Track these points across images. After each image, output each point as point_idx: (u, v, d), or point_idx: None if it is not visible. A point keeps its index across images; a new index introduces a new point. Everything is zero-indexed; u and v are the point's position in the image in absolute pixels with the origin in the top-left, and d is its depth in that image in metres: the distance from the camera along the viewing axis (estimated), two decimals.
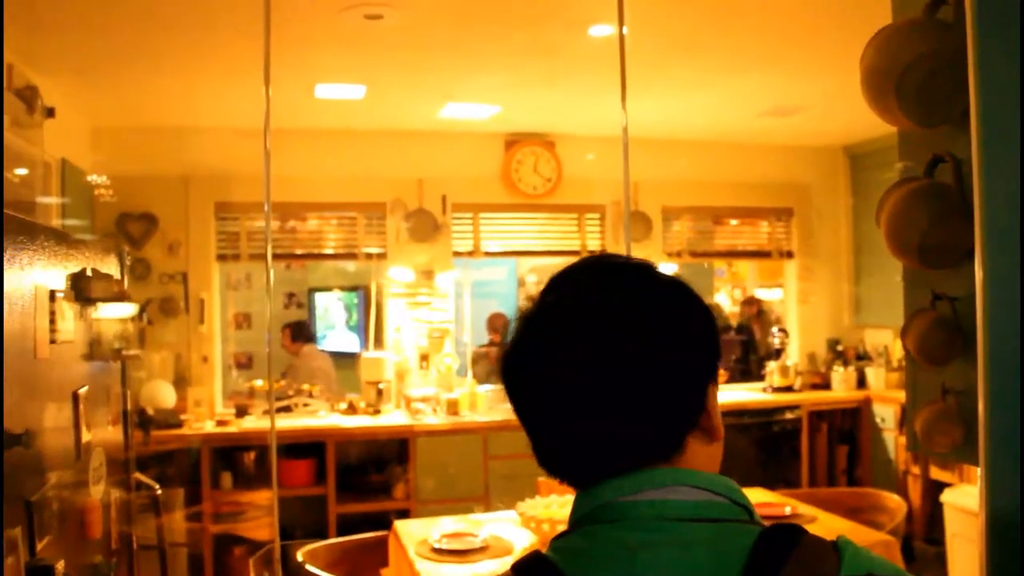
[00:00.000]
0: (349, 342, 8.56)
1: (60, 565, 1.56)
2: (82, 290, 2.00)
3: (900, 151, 1.64)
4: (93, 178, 5.22)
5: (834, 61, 4.70)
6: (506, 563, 3.41)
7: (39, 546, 1.60)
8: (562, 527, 3.17)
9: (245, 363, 8.63)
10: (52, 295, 1.82)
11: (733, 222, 6.98)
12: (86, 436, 2.00)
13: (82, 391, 1.98)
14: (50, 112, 4.36)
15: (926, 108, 1.42)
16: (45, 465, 1.73)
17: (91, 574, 1.99)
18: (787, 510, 3.92)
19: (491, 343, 7.10)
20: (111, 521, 2.19)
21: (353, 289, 8.62)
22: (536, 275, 9.82)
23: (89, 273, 2.05)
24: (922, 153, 1.56)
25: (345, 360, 7.98)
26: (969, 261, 1.38)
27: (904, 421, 5.82)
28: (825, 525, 3.78)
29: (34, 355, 1.72)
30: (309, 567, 3.30)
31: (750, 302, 9.01)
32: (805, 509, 3.97)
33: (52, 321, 1.79)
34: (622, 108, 3.01)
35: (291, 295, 9.27)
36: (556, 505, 3.67)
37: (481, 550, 3.46)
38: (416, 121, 5.83)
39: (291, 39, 4.02)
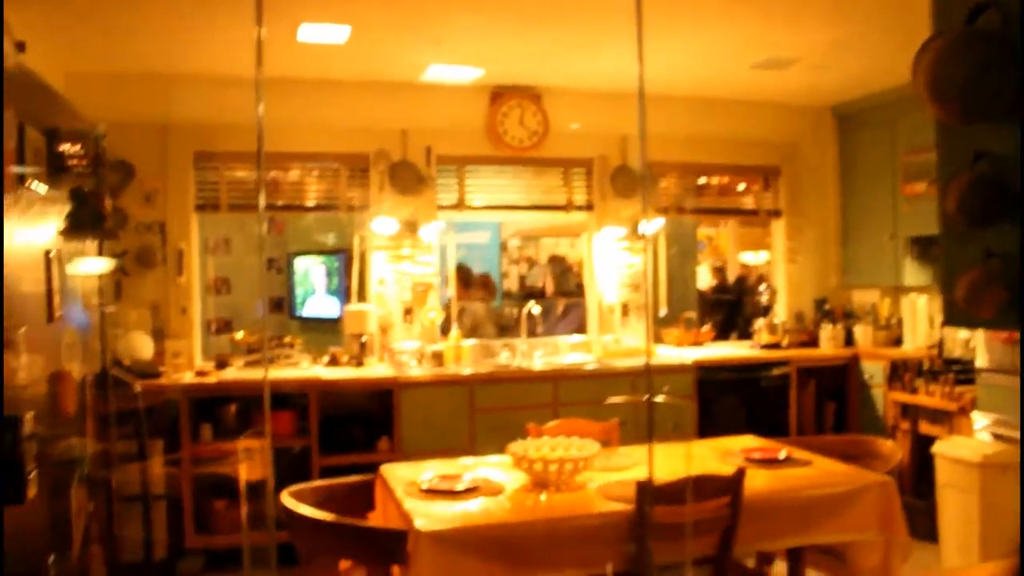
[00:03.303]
0: (329, 307, 8.42)
1: (29, 417, 1.41)
2: (53, 140, 1.85)
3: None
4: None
5: (830, 11, 4.63)
6: (500, 501, 3.32)
7: (4, 395, 1.45)
8: (554, 467, 3.07)
9: (223, 328, 8.47)
10: (20, 127, 1.67)
11: (720, 180, 6.90)
12: (58, 307, 1.85)
13: (53, 253, 1.84)
14: (20, 46, 4.18)
15: None
16: (13, 313, 1.57)
17: (64, 453, 1.84)
18: (782, 454, 3.86)
19: (476, 303, 6.99)
20: (87, 409, 2.05)
21: (334, 253, 8.46)
22: (519, 240, 9.75)
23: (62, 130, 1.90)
24: (959, 10, 1.47)
25: (324, 325, 7.85)
26: (1013, 116, 1.29)
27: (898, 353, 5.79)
28: (821, 467, 3.71)
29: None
30: (293, 505, 3.18)
31: (721, 270, 9.11)
32: (800, 454, 3.90)
33: (22, 168, 1.64)
34: (638, 55, 2.84)
35: (271, 260, 9.10)
36: (548, 447, 3.58)
37: (472, 490, 3.37)
38: (400, 72, 5.69)
39: None
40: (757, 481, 3.41)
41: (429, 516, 3.03)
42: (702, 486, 3.12)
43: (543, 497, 3.32)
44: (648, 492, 2.92)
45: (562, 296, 8.52)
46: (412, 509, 3.11)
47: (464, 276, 7.19)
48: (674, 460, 3.80)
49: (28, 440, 1.38)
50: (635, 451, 3.92)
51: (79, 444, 1.93)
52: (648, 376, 4.55)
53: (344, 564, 3.24)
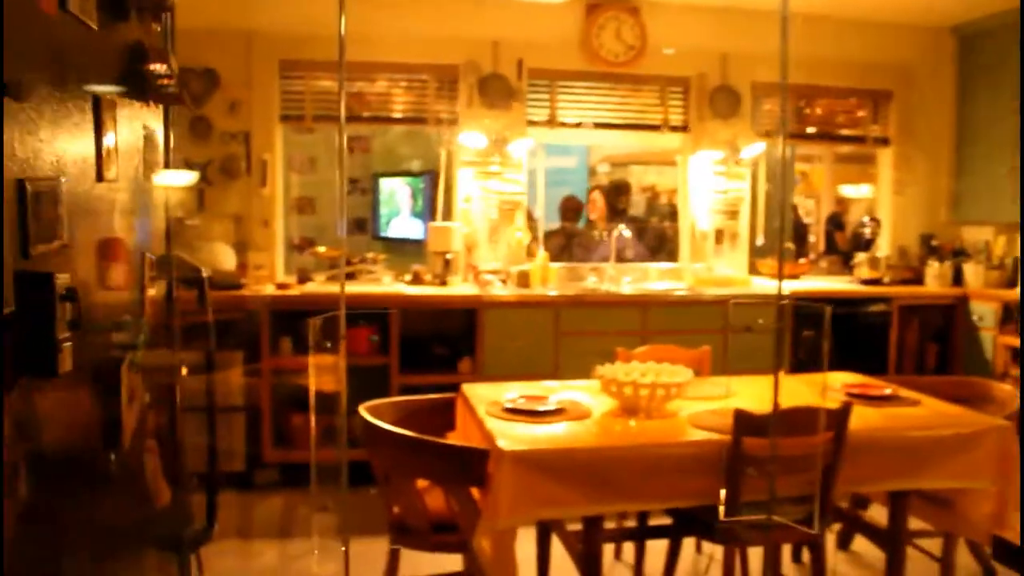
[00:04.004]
0: (412, 228, 8.30)
1: (64, 279, 1.20)
2: None
3: None
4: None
5: None
6: (587, 425, 3.16)
7: (33, 251, 1.22)
8: (645, 393, 2.87)
9: (307, 246, 8.42)
10: None
11: (821, 111, 6.49)
12: (110, 165, 1.62)
13: (104, 101, 1.60)
14: None
15: None
16: (50, 164, 1.33)
17: (114, 330, 1.64)
18: (887, 391, 3.60)
19: (563, 226, 6.77)
20: (147, 296, 1.85)
21: (419, 175, 8.31)
22: (608, 166, 9.44)
23: None
24: None
25: (407, 246, 7.73)
26: None
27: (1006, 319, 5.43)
28: (931, 408, 3.45)
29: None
30: (372, 419, 3.07)
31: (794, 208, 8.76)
32: (906, 392, 3.64)
33: None
34: None
35: (354, 181, 8.97)
36: (637, 372, 3.39)
37: (557, 412, 3.21)
38: None
39: None
40: (861, 418, 3.17)
41: (512, 436, 2.88)
42: (805, 420, 2.90)
43: (632, 423, 3.14)
44: (776, 420, 2.72)
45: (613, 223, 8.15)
46: (495, 429, 2.96)
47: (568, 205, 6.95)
48: (770, 392, 3.57)
49: (61, 302, 1.18)
50: (727, 381, 3.71)
51: (133, 322, 1.75)
52: (778, 297, 4.32)
53: (421, 483, 3.12)
